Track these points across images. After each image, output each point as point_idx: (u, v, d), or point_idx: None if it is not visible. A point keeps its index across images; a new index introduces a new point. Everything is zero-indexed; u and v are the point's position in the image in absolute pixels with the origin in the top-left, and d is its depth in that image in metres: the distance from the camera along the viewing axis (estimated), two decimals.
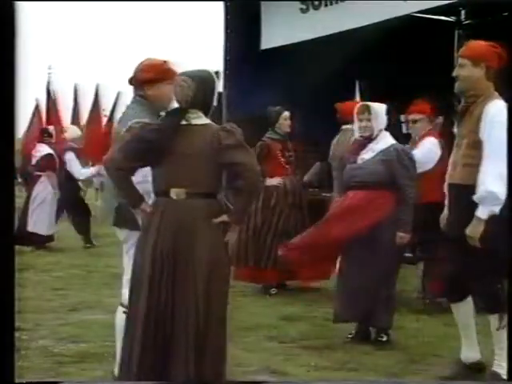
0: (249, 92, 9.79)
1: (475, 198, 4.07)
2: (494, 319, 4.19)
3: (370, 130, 5.28)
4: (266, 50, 10.48)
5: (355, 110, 5.46)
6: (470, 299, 4.36)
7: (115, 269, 4.19)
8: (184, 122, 3.64)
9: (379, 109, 5.37)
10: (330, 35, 9.34)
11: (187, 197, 3.59)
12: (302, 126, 8.32)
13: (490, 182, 4.02)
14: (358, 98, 9.02)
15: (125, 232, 4.05)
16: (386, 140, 5.33)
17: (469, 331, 4.40)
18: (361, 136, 5.39)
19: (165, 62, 4.15)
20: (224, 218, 3.62)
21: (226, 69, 11.14)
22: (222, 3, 11.21)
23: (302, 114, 8.32)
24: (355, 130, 5.51)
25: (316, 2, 9.83)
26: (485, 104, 4.11)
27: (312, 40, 9.58)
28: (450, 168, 4.38)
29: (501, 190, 4.01)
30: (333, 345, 5.13)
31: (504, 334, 4.16)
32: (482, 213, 4.05)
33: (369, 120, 5.27)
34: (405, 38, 9.47)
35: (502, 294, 4.15)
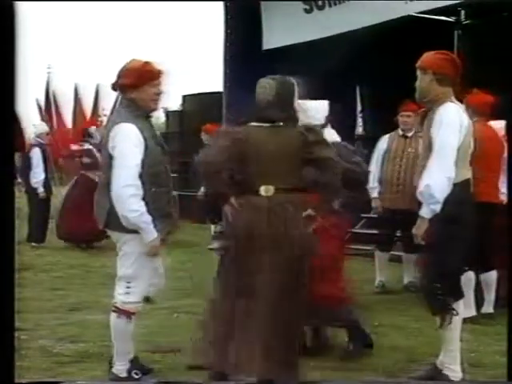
0: (249, 92, 9.78)
1: (417, 194, 4.07)
2: (437, 318, 4.17)
3: None
4: (267, 50, 10.47)
5: None
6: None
7: (114, 269, 4.19)
8: (268, 124, 3.93)
9: None
10: (331, 36, 9.34)
11: (276, 192, 3.85)
12: None
13: (427, 179, 4.01)
14: (358, 101, 9.04)
15: (116, 234, 4.09)
16: None
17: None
18: None
19: (146, 63, 4.02)
20: (309, 211, 3.90)
21: (225, 69, 11.14)
22: (221, 3, 11.21)
23: None
24: None
25: (320, 2, 9.79)
26: (438, 107, 4.15)
27: (312, 40, 9.58)
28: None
29: (438, 188, 3.96)
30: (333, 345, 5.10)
31: (452, 336, 4.13)
32: (424, 211, 4.03)
33: None
34: (404, 39, 9.47)
35: (444, 297, 4.09)
